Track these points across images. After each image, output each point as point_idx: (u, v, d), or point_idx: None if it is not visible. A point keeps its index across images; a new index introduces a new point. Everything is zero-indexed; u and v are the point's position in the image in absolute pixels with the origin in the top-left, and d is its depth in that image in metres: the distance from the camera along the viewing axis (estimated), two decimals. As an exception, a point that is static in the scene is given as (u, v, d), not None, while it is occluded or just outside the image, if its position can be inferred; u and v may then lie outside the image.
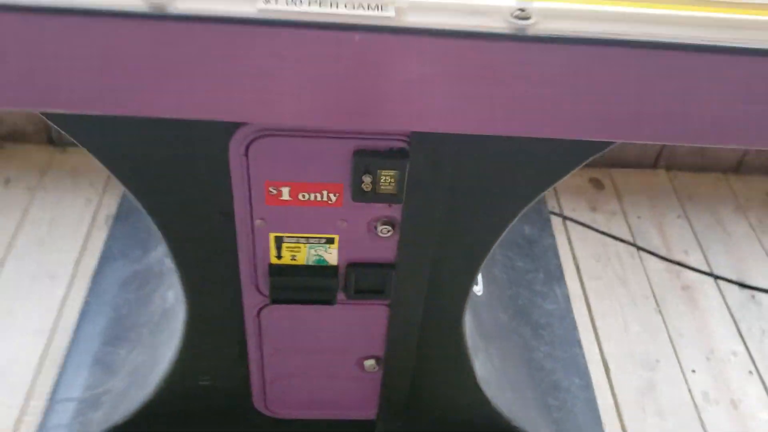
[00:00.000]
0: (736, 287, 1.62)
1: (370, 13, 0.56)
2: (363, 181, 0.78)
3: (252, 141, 0.75)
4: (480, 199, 0.79)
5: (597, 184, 1.84)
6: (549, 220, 1.70)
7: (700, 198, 1.82)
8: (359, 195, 0.80)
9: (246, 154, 0.76)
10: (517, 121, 0.59)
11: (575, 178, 1.83)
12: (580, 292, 1.57)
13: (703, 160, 1.86)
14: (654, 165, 1.87)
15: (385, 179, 0.78)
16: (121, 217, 1.59)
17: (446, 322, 0.94)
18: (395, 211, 0.82)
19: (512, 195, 0.79)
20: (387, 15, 0.55)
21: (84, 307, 1.41)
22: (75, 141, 0.73)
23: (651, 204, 1.80)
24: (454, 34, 0.55)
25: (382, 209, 0.82)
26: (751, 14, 0.57)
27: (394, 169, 0.77)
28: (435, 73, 0.58)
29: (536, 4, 0.56)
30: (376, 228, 0.85)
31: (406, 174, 0.77)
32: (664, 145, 1.84)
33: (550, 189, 1.78)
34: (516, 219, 0.82)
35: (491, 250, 0.85)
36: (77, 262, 1.50)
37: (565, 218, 1.73)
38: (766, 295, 1.61)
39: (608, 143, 0.68)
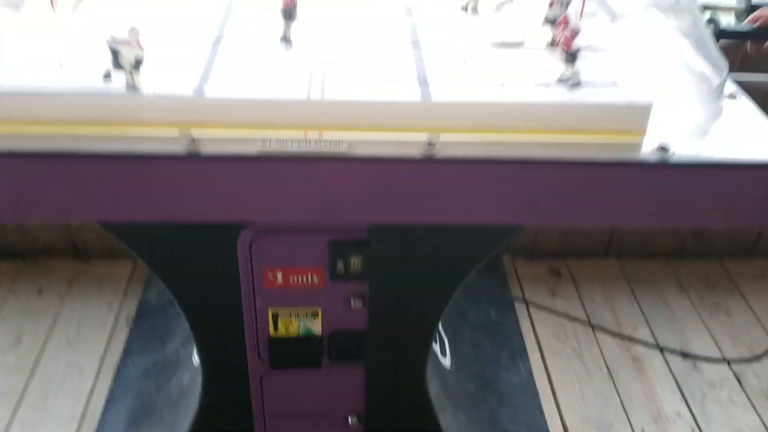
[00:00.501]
0: (679, 357, 1.84)
1: (331, 149, 0.84)
2: (337, 265, 1.05)
3: (254, 238, 1.02)
4: (427, 273, 1.05)
5: (555, 273, 2.10)
6: (513, 305, 1.95)
7: (646, 280, 2.08)
8: (335, 276, 1.06)
9: (249, 249, 1.03)
10: (436, 214, 0.87)
11: (536, 268, 2.09)
12: (541, 365, 1.79)
13: (648, 248, 2.13)
14: (605, 254, 2.14)
15: (354, 263, 1.05)
16: (140, 318, 1.84)
17: (412, 376, 1.18)
18: (364, 288, 1.08)
19: (452, 269, 1.06)
20: (342, 150, 0.84)
21: (109, 395, 1.63)
22: (125, 244, 1.00)
23: (603, 287, 2.05)
24: (387, 160, 0.83)
25: (353, 286, 1.08)
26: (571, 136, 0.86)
27: (359, 254, 1.03)
28: (377, 185, 0.86)
29: (441, 138, 0.85)
30: (350, 302, 1.10)
31: (368, 258, 1.04)
32: (612, 236, 2.11)
33: (512, 276, 2.05)
34: (458, 288, 1.08)
35: (443, 313, 1.10)
36: (103, 357, 1.74)
37: (527, 303, 1.97)
38: (706, 363, 1.83)
39: (507, 229, 0.96)
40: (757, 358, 1.85)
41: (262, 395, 1.18)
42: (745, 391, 1.76)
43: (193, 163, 0.82)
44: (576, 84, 0.93)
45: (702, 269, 2.12)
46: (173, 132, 0.83)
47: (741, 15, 1.32)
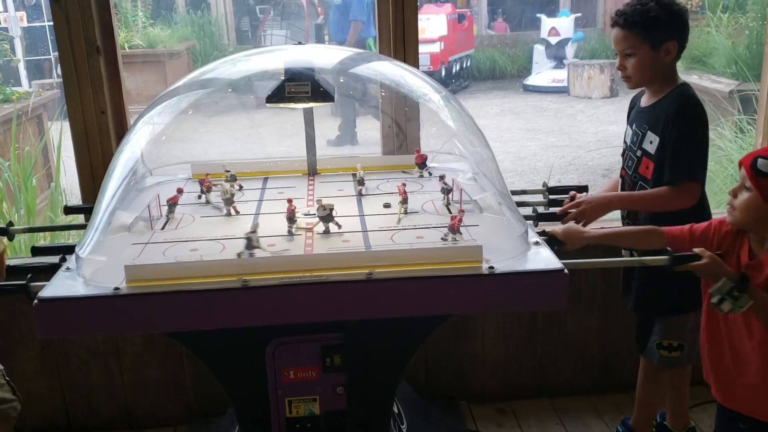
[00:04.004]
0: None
1: (313, 278, 1.59)
2: (326, 362, 1.74)
3: (277, 346, 1.72)
4: (379, 360, 1.75)
5: (501, 411, 2.71)
6: (468, 435, 2.55)
7: (571, 411, 2.69)
8: (326, 370, 1.74)
9: (273, 354, 1.73)
10: (370, 312, 1.60)
11: (486, 408, 2.71)
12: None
13: (573, 386, 2.77)
14: (538, 395, 2.78)
15: (336, 359, 1.74)
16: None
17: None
18: (344, 377, 1.76)
19: (398, 355, 1.75)
20: (321, 278, 1.59)
21: None
22: (190, 350, 1.70)
23: (538, 419, 2.66)
24: (345, 282, 1.58)
25: (338, 377, 1.76)
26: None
27: (338, 353, 1.73)
28: (342, 298, 1.60)
29: (376, 270, 1.60)
30: (336, 389, 1.77)
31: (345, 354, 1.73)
32: (543, 380, 2.77)
33: (467, 416, 2.66)
34: (404, 371, 1.77)
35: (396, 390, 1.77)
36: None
37: (479, 433, 2.58)
38: (617, 465, 2.40)
39: (423, 322, 1.69)
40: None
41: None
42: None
43: (243, 292, 1.56)
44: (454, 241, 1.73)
45: (614, 400, 2.74)
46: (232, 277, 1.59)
47: (546, 206, 2.14)
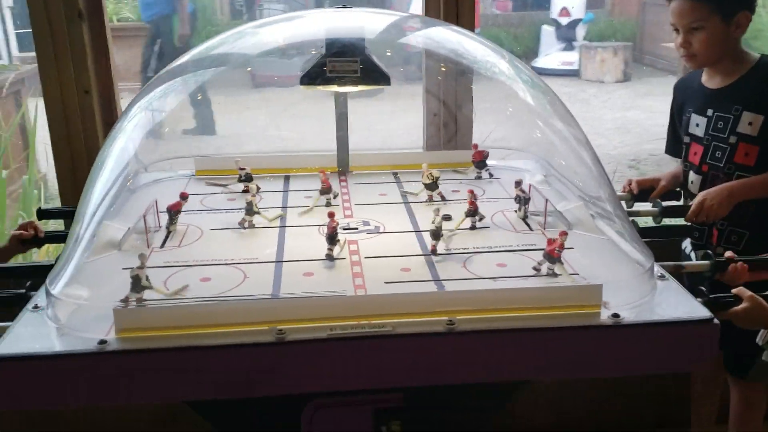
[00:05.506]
0: None
1: (373, 330, 1.16)
2: (381, 431, 1.32)
3: (316, 410, 1.30)
4: (450, 429, 1.33)
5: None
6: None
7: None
8: (379, 441, 1.32)
9: (311, 420, 1.30)
10: (450, 375, 1.17)
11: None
12: None
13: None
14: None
15: (395, 428, 1.32)
16: None
17: None
18: (402, 450, 1.34)
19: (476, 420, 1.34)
20: (387, 330, 1.16)
21: None
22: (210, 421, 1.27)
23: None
24: (420, 335, 1.15)
25: (394, 450, 1.34)
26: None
27: (398, 419, 1.31)
28: (410, 357, 1.17)
29: (458, 317, 1.18)
30: (391, 464, 1.35)
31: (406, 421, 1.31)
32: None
33: None
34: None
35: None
36: None
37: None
38: None
39: (512, 385, 1.26)
40: None
41: None
42: None
43: (278, 348, 1.14)
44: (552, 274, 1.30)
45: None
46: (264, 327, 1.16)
47: (657, 217, 1.74)
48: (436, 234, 1.41)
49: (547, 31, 10.48)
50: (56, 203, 3.21)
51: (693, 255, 1.93)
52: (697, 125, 1.86)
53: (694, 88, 1.89)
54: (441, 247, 1.42)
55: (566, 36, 10.16)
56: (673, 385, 2.27)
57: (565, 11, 10.20)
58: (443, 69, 2.02)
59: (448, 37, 1.82)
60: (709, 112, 1.83)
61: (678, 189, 1.93)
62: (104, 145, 1.58)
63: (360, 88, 1.38)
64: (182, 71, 1.59)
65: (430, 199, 1.72)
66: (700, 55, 1.78)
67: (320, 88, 1.41)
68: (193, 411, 1.29)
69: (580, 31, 10.33)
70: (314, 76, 1.35)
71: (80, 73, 1.94)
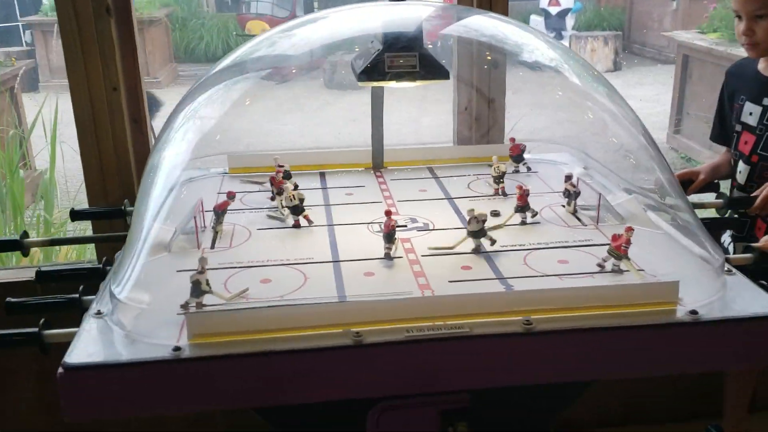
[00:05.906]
0: None
1: (451, 331, 1.14)
2: (448, 431, 1.30)
3: (382, 411, 1.27)
4: (517, 428, 1.31)
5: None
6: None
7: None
8: (445, 442, 1.30)
9: (378, 422, 1.28)
10: (527, 375, 1.16)
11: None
12: None
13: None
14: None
15: (461, 429, 1.30)
16: None
17: None
18: (468, 450, 1.32)
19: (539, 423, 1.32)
20: (464, 331, 1.14)
21: None
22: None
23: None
24: (497, 336, 1.14)
25: (460, 450, 1.32)
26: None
27: (465, 420, 1.29)
28: (486, 358, 1.15)
29: (534, 317, 1.16)
30: (457, 465, 1.33)
31: (473, 423, 1.29)
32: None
33: None
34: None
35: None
36: None
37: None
38: None
39: (581, 384, 1.25)
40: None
41: None
42: None
43: (356, 351, 1.11)
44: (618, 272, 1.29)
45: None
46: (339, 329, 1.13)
47: (722, 209, 1.73)
48: (479, 233, 1.39)
49: (536, 21, 10.47)
50: (58, 202, 3.16)
51: (731, 248, 1.93)
52: (751, 114, 1.83)
53: (750, 75, 1.86)
54: (486, 245, 1.41)
55: (556, 25, 10.16)
56: (706, 375, 2.28)
57: (554, 0, 10.21)
58: (477, 58, 2.00)
59: (485, 24, 1.79)
60: (765, 101, 1.81)
61: (716, 181, 1.93)
62: (156, 146, 1.53)
63: (419, 83, 1.35)
64: (227, 75, 1.56)
65: (496, 193, 1.72)
66: (763, 42, 1.74)
67: (380, 83, 1.38)
68: (256, 414, 1.27)
69: (570, 21, 10.34)
70: (373, 72, 1.32)
71: (109, 70, 1.89)
